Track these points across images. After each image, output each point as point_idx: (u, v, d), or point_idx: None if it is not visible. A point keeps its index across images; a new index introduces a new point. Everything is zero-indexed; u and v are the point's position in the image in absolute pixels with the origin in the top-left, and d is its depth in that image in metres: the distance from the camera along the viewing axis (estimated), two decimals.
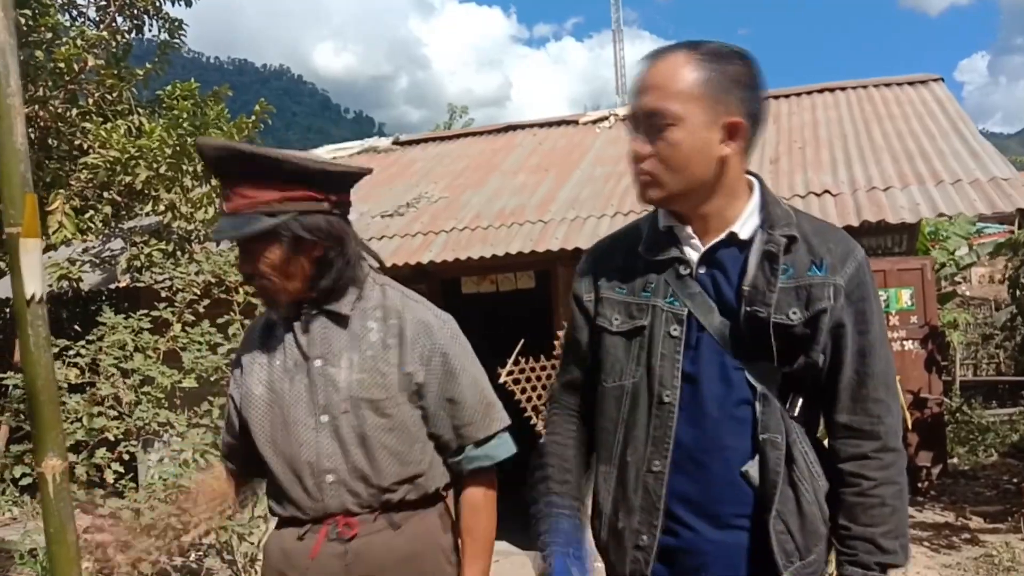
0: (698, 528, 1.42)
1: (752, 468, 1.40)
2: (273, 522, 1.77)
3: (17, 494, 7.40)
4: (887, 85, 7.83)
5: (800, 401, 1.44)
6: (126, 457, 5.12)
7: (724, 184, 1.43)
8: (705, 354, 1.43)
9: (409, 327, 1.65)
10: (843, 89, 7.96)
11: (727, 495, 1.41)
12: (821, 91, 8.02)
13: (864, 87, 7.92)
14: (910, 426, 6.30)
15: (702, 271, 1.46)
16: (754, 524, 1.40)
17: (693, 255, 1.47)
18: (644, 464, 1.44)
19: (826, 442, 1.50)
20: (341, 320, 1.66)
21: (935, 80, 7.71)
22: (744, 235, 1.45)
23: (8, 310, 8.79)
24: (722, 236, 1.45)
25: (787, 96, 8.04)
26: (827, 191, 5.52)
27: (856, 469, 1.42)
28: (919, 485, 7.05)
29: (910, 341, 7.29)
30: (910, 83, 7.75)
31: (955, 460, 7.56)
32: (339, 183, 1.64)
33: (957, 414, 8.18)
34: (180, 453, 4.81)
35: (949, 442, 7.09)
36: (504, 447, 1.73)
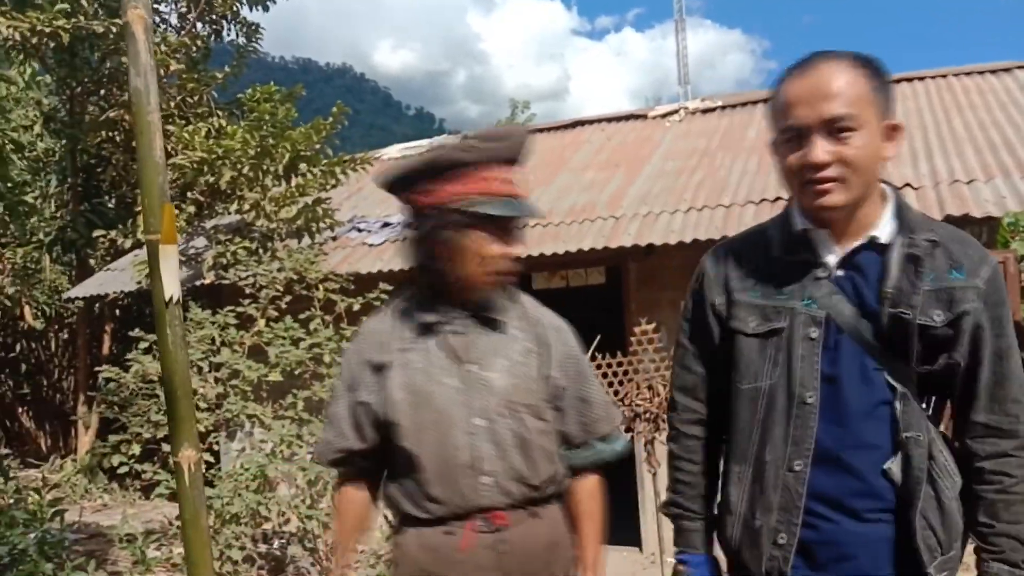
0: (838, 521, 1.46)
1: (894, 465, 1.43)
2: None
3: (106, 482, 7.76)
4: (967, 74, 7.60)
5: (934, 401, 1.49)
6: (215, 448, 5.34)
7: (875, 187, 1.48)
8: (845, 355, 1.46)
9: (549, 333, 1.76)
10: (921, 79, 7.75)
11: (868, 492, 1.44)
12: (898, 81, 7.83)
13: (943, 76, 7.71)
14: None
15: (840, 274, 1.49)
16: (896, 520, 1.44)
17: (832, 258, 1.50)
18: (784, 463, 1.47)
19: (956, 442, 1.53)
20: (494, 325, 1.72)
21: (1020, 67, 7.46)
22: (884, 239, 1.48)
23: (97, 306, 9.20)
24: (863, 240, 1.48)
25: None
26: (908, 184, 5.41)
27: (997, 467, 1.45)
28: None
29: None
30: (992, 71, 7.51)
31: None
32: None
33: None
34: (265, 444, 4.99)
35: None
36: (621, 442, 1.84)
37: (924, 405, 1.47)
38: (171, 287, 1.57)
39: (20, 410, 9.74)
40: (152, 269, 1.57)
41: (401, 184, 1.71)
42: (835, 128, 1.40)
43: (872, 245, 1.48)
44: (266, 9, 8.26)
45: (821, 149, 1.40)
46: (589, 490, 1.81)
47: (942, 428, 1.53)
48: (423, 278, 1.74)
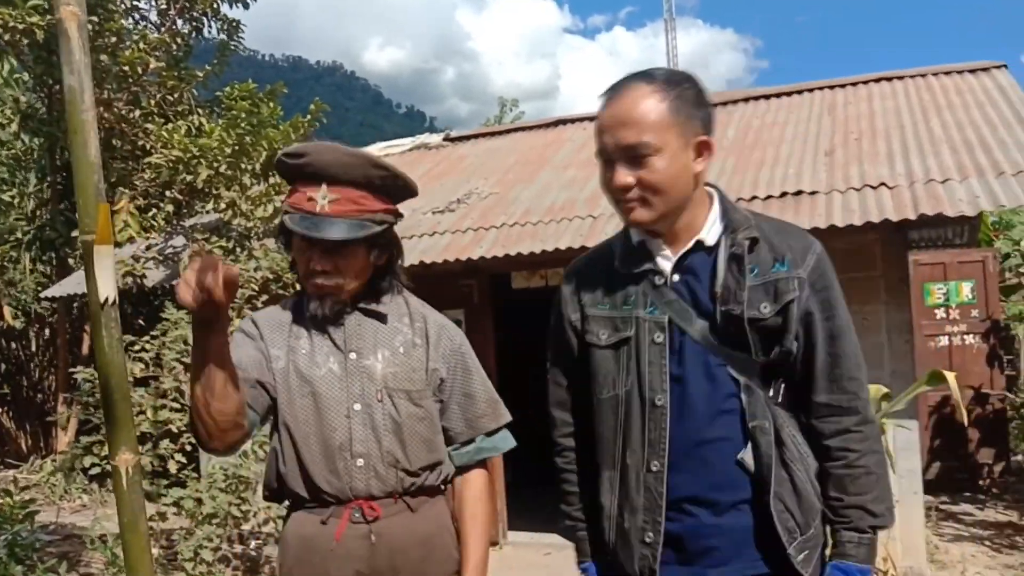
0: (697, 514, 1.53)
1: (747, 455, 1.51)
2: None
3: (86, 482, 7.71)
4: (947, 73, 7.62)
5: (782, 388, 1.56)
6: (188, 448, 5.31)
7: (694, 197, 1.56)
8: (689, 356, 1.54)
9: (432, 328, 1.82)
10: (900, 78, 7.77)
11: (725, 483, 1.52)
12: (878, 80, 7.85)
13: (923, 76, 7.72)
14: (967, 422, 6.16)
15: (676, 279, 1.57)
16: (754, 507, 1.52)
17: (666, 265, 1.58)
18: (643, 465, 1.55)
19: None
20: (379, 318, 1.79)
21: (997, 67, 7.47)
22: (710, 241, 1.56)
23: (75, 306, 9.14)
24: (690, 245, 1.56)
25: (843, 86, 7.89)
26: (883, 184, 5.41)
27: (841, 444, 1.54)
28: (980, 483, 6.89)
29: (971, 335, 7.10)
30: (971, 71, 7.52)
31: (1019, 458, 7.36)
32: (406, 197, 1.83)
33: (1021, 410, 7.94)
34: None
35: (1012, 439, 6.91)
36: (507, 440, 1.89)
37: (771, 393, 1.54)
38: (106, 288, 1.55)
39: (0, 410, 9.68)
40: (87, 270, 1.54)
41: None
42: (633, 155, 1.48)
43: (700, 248, 1.56)
44: (246, 6, 8.23)
45: (621, 174, 1.50)
46: (475, 491, 1.84)
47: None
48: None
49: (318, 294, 1.74)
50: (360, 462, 1.70)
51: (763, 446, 1.50)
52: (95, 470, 5.20)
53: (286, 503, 1.81)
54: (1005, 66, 7.48)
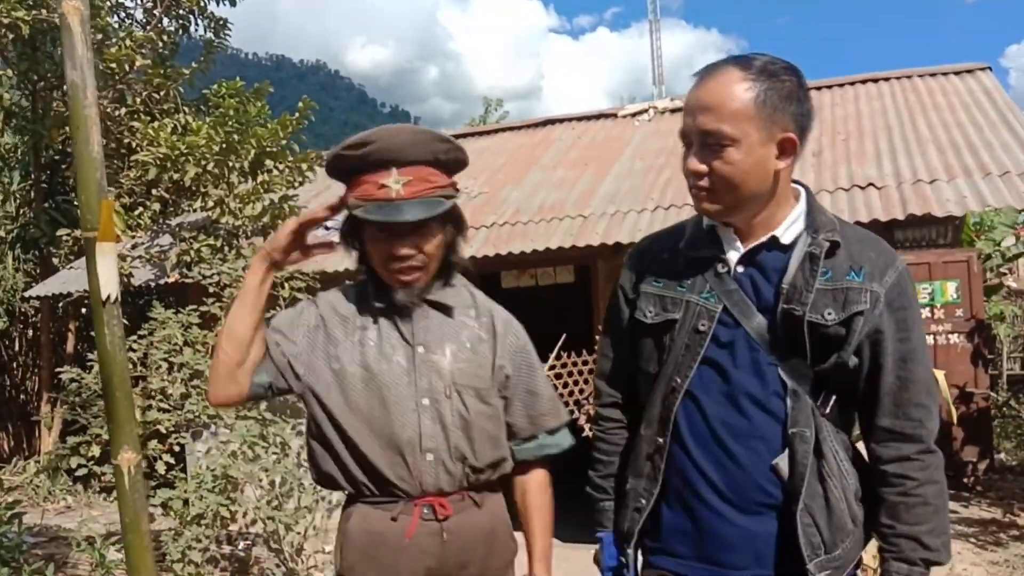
0: (723, 512, 1.48)
1: (782, 461, 1.45)
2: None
3: (71, 483, 7.63)
4: (932, 75, 7.69)
5: (832, 400, 1.48)
6: (176, 448, 5.27)
7: (775, 195, 1.48)
8: (740, 349, 1.48)
9: (499, 324, 1.81)
10: (887, 80, 7.83)
11: (753, 484, 1.46)
12: (864, 82, 7.91)
13: (908, 77, 7.79)
14: (955, 421, 6.22)
15: (740, 270, 1.51)
16: (780, 515, 1.46)
17: (733, 255, 1.52)
18: (652, 440, 1.55)
19: (861, 444, 1.55)
20: (445, 310, 1.77)
21: (982, 69, 7.56)
22: (786, 239, 1.50)
23: (61, 306, 9.04)
24: (763, 239, 1.50)
25: (829, 87, 7.94)
26: (871, 184, 5.46)
27: (899, 470, 1.46)
28: (965, 481, 6.94)
29: (956, 335, 7.16)
30: (956, 73, 7.60)
31: (1002, 455, 7.43)
32: None
33: (1004, 408, 8.04)
34: (228, 445, 4.93)
35: (996, 437, 6.98)
36: (568, 437, 1.88)
37: (819, 403, 1.48)
38: (109, 286, 1.54)
39: None
40: (89, 267, 1.53)
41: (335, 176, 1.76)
42: (709, 142, 1.42)
43: (774, 245, 1.50)
44: (233, 4, 8.17)
45: (693, 160, 1.45)
46: (537, 484, 1.84)
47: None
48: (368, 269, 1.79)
49: (404, 282, 1.71)
50: (429, 456, 1.69)
51: (800, 454, 1.44)
52: (81, 471, 5.14)
53: (340, 493, 1.79)
54: (989, 68, 7.56)
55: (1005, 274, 10.93)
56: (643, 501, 1.55)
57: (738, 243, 1.52)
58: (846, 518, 1.47)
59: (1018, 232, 10.28)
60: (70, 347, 8.87)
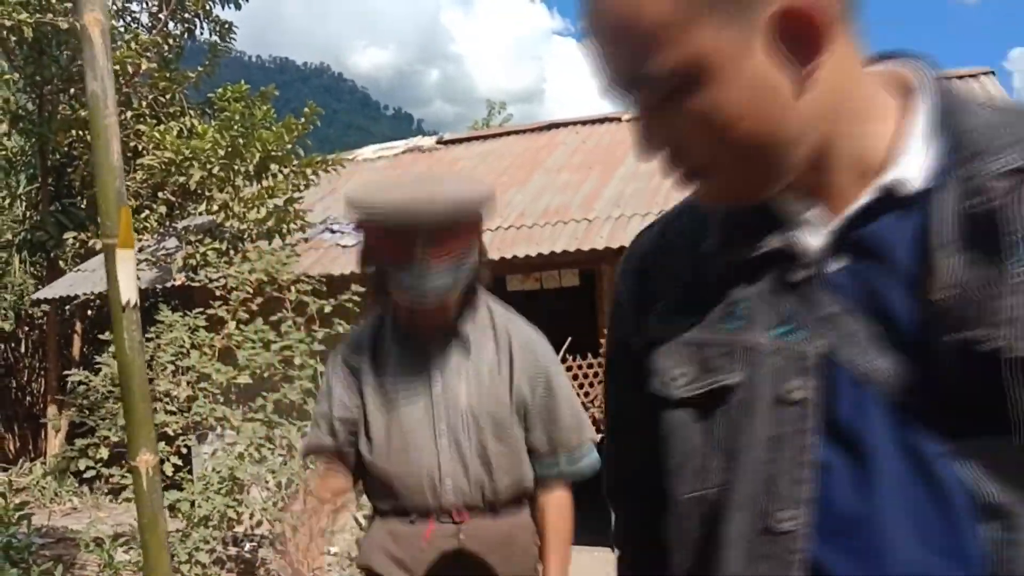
0: None
1: None
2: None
3: (77, 485, 7.67)
4: None
5: None
6: (183, 451, 5.30)
7: (838, 109, 0.70)
8: (876, 429, 0.68)
9: (517, 347, 1.77)
10: None
11: None
12: None
13: None
14: None
15: (836, 268, 0.72)
16: None
17: (813, 241, 0.73)
18: None
19: None
20: (463, 337, 1.76)
21: (986, 73, 7.58)
22: (916, 183, 0.69)
23: (67, 308, 9.09)
24: (867, 198, 0.71)
25: None
26: None
27: None
28: None
29: None
30: (959, 77, 7.61)
31: None
32: None
33: None
34: (234, 447, 4.97)
35: None
36: (591, 461, 1.82)
37: None
38: (128, 291, 1.57)
39: None
40: (109, 273, 1.56)
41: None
42: (649, 96, 0.70)
43: (892, 201, 0.70)
44: (238, 7, 8.23)
45: (642, 137, 0.71)
46: (556, 505, 1.82)
47: None
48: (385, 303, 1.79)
49: (425, 316, 1.72)
50: (448, 483, 1.72)
51: None
52: (89, 473, 5.18)
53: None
54: (993, 72, 7.58)
55: None
56: None
57: (814, 214, 0.74)
58: None
59: None
60: (76, 349, 8.92)
